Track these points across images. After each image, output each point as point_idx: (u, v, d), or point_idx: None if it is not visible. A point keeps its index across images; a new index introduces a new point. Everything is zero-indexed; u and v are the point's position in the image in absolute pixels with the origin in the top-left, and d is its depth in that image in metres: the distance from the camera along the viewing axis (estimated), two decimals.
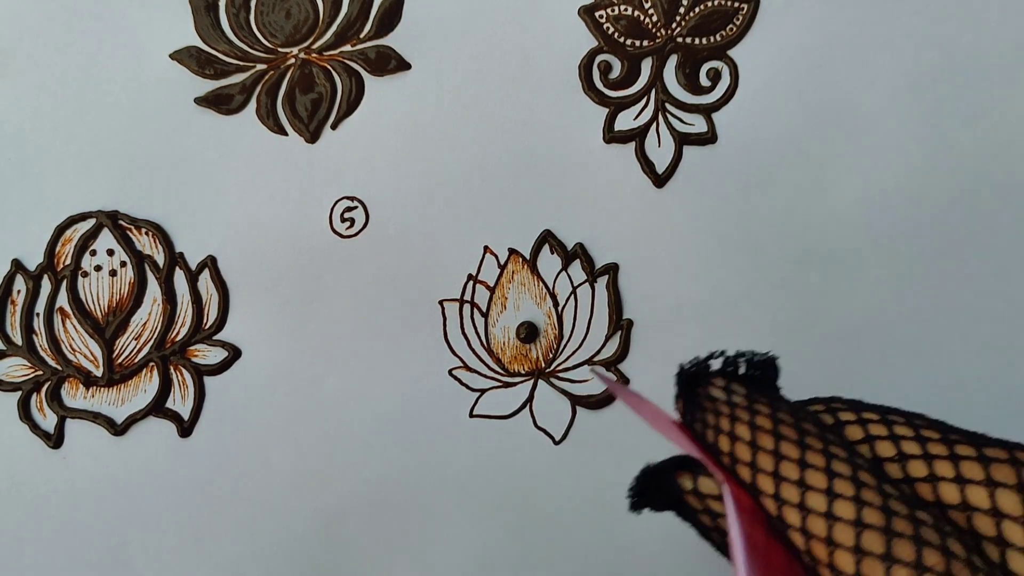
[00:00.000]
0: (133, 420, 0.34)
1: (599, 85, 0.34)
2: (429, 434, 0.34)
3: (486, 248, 0.34)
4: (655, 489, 0.21)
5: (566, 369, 0.34)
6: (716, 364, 0.22)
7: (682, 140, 0.34)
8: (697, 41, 0.34)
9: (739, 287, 0.35)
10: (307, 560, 0.34)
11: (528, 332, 0.34)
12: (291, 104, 0.34)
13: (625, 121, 0.34)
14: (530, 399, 0.34)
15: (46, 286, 0.34)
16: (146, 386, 0.34)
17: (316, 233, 0.34)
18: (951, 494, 0.19)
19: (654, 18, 0.34)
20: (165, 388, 0.34)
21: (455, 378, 0.34)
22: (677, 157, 0.34)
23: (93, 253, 0.34)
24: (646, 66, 0.34)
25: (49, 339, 0.34)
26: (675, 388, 0.22)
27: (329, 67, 0.34)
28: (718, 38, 0.34)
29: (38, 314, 0.34)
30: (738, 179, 0.34)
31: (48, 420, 0.34)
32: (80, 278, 0.34)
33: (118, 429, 0.34)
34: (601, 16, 0.34)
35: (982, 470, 0.19)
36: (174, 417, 0.34)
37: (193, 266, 0.34)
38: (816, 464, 0.19)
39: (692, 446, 0.21)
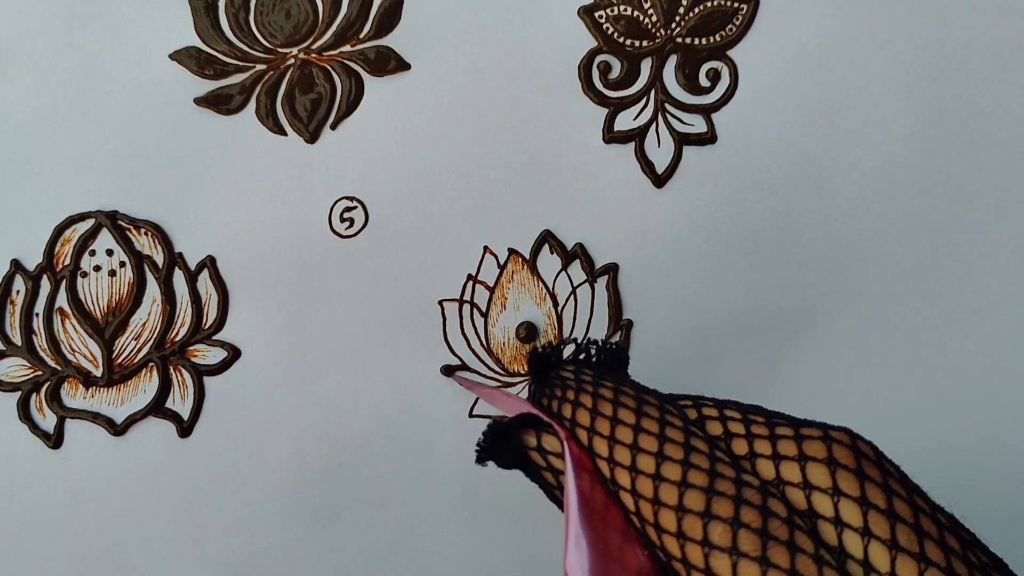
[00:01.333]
0: (133, 420, 0.34)
1: (599, 85, 0.34)
2: (429, 434, 0.34)
3: (486, 248, 0.34)
4: (502, 444, 0.21)
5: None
6: (568, 351, 0.23)
7: (682, 140, 0.34)
8: (697, 41, 0.34)
9: (739, 287, 0.35)
10: (307, 560, 0.34)
11: (528, 332, 0.34)
12: (291, 104, 0.34)
13: (625, 121, 0.34)
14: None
15: (45, 286, 0.34)
16: (146, 386, 0.34)
17: (315, 233, 0.34)
18: (767, 470, 0.19)
19: (654, 18, 0.34)
20: (165, 388, 0.34)
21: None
22: (677, 157, 0.34)
23: (92, 253, 0.34)
24: (646, 66, 0.34)
25: (48, 339, 0.34)
26: (529, 369, 0.23)
27: (329, 67, 0.34)
28: (718, 38, 0.34)
29: (37, 314, 0.34)
30: (738, 179, 0.34)
31: (48, 420, 0.34)
32: (79, 278, 0.34)
33: (118, 429, 0.34)
34: (601, 16, 0.34)
35: (795, 446, 0.19)
36: (174, 417, 0.34)
37: (192, 266, 0.34)
38: (650, 429, 0.20)
39: (536, 409, 0.22)
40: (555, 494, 0.22)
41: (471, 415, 0.34)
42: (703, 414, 0.21)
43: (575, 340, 0.23)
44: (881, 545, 0.18)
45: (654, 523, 0.19)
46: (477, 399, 0.34)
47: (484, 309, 0.34)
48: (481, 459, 0.22)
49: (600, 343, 0.24)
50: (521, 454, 0.22)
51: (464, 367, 0.34)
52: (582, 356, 0.24)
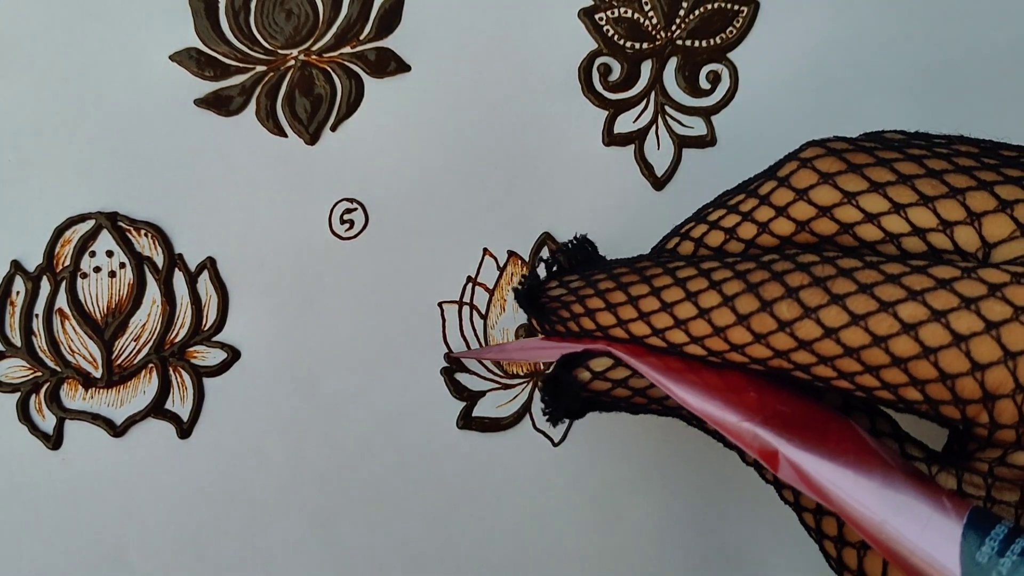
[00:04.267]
0: (132, 421, 0.34)
1: (599, 87, 0.34)
2: (428, 435, 0.34)
3: (485, 250, 0.34)
4: (563, 394, 0.21)
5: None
6: (542, 272, 0.23)
7: (681, 143, 0.34)
8: (697, 44, 0.34)
9: None
10: (306, 560, 0.34)
11: (528, 334, 0.34)
12: (291, 106, 0.34)
13: (625, 123, 0.34)
14: (529, 401, 0.34)
15: (45, 287, 0.34)
16: (145, 387, 0.34)
17: (315, 235, 0.34)
18: (782, 227, 0.20)
19: (654, 20, 0.34)
20: (164, 389, 0.34)
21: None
22: (676, 160, 0.34)
23: (92, 254, 0.34)
24: (646, 68, 0.34)
25: (48, 340, 0.34)
26: (523, 311, 0.23)
27: (329, 69, 0.34)
28: (718, 41, 0.34)
29: (37, 315, 0.34)
30: (737, 181, 0.34)
31: (47, 421, 0.34)
32: (79, 279, 0.34)
33: (117, 430, 0.34)
34: (601, 19, 0.34)
35: (788, 191, 0.20)
36: (173, 418, 0.34)
37: (192, 267, 0.34)
38: (664, 284, 0.20)
39: (565, 344, 0.22)
40: (635, 403, 0.21)
41: (459, 426, 0.34)
42: (694, 237, 0.22)
43: (541, 259, 0.24)
44: (916, 208, 0.18)
45: (730, 347, 0.19)
46: (476, 401, 0.34)
47: (484, 311, 0.34)
48: (555, 418, 0.21)
49: (563, 245, 0.24)
50: (582, 392, 0.21)
51: (463, 368, 0.34)
52: (556, 268, 0.24)
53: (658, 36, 0.34)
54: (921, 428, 0.21)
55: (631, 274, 0.21)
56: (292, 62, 0.34)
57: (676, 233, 0.23)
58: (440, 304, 0.34)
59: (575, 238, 0.25)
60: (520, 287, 0.23)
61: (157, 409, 0.34)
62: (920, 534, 0.15)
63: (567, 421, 0.34)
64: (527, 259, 0.34)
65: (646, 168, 0.34)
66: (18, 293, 0.34)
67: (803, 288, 0.17)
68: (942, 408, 0.17)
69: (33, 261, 0.34)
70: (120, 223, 0.34)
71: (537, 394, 0.34)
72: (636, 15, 0.34)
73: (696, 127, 0.34)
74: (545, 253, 0.24)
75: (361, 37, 0.34)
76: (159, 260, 0.34)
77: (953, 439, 0.20)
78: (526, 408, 0.34)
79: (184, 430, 0.34)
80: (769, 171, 0.21)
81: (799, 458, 0.17)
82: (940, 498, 0.16)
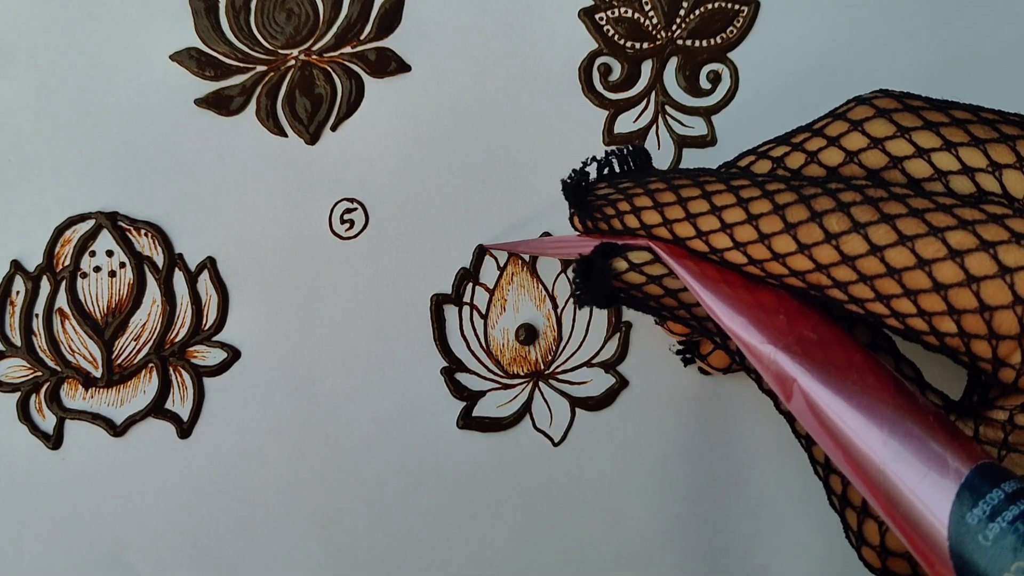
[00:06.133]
0: (132, 421, 0.34)
1: (599, 87, 0.34)
2: (429, 435, 0.34)
3: (485, 250, 0.34)
4: (595, 279, 0.21)
5: (565, 371, 0.34)
6: (592, 172, 0.23)
7: (682, 142, 0.34)
8: (697, 43, 0.34)
9: None
10: (306, 561, 0.34)
11: (527, 334, 0.34)
12: (291, 106, 0.34)
13: (625, 123, 0.34)
14: (529, 401, 0.34)
15: (45, 287, 0.34)
16: (145, 387, 0.34)
17: (316, 235, 0.34)
18: (832, 157, 0.20)
19: (654, 20, 0.34)
20: (164, 389, 0.34)
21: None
22: (677, 159, 0.34)
23: (92, 254, 0.34)
24: (646, 68, 0.34)
25: (48, 340, 0.34)
26: (567, 205, 0.23)
27: (329, 69, 0.34)
28: (718, 40, 0.34)
29: (37, 315, 0.34)
30: None
31: (47, 421, 0.34)
32: (79, 279, 0.34)
33: (117, 430, 0.34)
34: (601, 18, 0.34)
35: (844, 123, 0.21)
36: (173, 418, 0.34)
37: (192, 267, 0.34)
38: (717, 190, 0.20)
39: (604, 240, 0.21)
40: (664, 303, 0.22)
41: (459, 426, 0.34)
42: (740, 165, 0.22)
43: (594, 158, 0.23)
44: (967, 148, 0.18)
45: (772, 255, 0.19)
46: (476, 401, 0.34)
47: (484, 311, 0.34)
48: (583, 301, 0.21)
49: (618, 150, 0.24)
50: (615, 282, 0.21)
51: (463, 368, 0.34)
52: (607, 171, 0.24)
53: (658, 36, 0.34)
54: (941, 382, 0.21)
55: (684, 178, 0.21)
56: (292, 62, 0.34)
57: (730, 165, 0.23)
58: (440, 304, 0.34)
59: (631, 145, 0.24)
60: (569, 179, 0.23)
61: (157, 409, 0.34)
62: (918, 484, 0.16)
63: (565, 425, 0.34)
64: (527, 259, 0.34)
65: None
66: (18, 293, 0.34)
67: (855, 204, 0.18)
68: (974, 344, 0.17)
69: (33, 261, 0.34)
70: (120, 223, 0.34)
71: (537, 394, 0.34)
72: (636, 15, 0.34)
73: (696, 127, 0.34)
74: (602, 152, 0.24)
75: (361, 37, 0.34)
76: (159, 260, 0.34)
77: (972, 388, 0.20)
78: (526, 408, 0.34)
79: (184, 430, 0.34)
80: (829, 112, 0.22)
81: (814, 390, 0.17)
82: (945, 454, 0.16)
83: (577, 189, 0.23)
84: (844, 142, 0.20)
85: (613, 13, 0.34)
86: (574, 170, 0.23)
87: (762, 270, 0.19)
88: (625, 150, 0.24)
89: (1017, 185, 0.18)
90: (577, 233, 0.23)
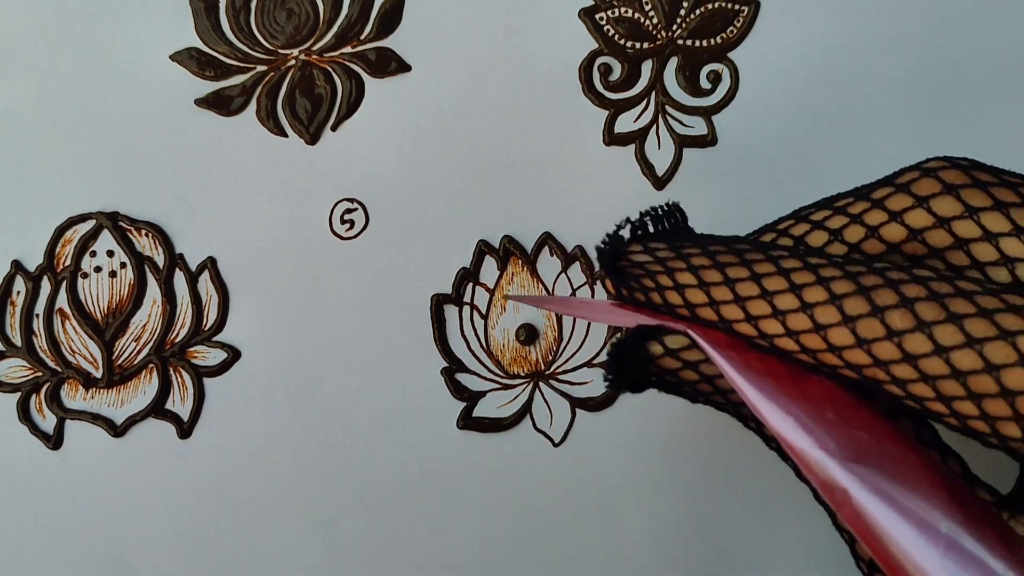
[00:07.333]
0: (133, 421, 0.34)
1: (599, 87, 0.34)
2: (429, 436, 0.34)
3: (485, 250, 0.34)
4: (629, 365, 0.20)
5: (566, 371, 0.34)
6: (626, 234, 0.22)
7: (682, 142, 0.34)
8: (697, 43, 0.34)
9: None
10: (305, 561, 0.34)
11: (528, 334, 0.34)
12: (291, 106, 0.34)
13: (625, 123, 0.34)
14: (529, 401, 0.34)
15: (46, 287, 0.34)
16: (145, 387, 0.34)
17: (316, 235, 0.34)
18: (894, 233, 0.19)
19: (654, 20, 0.34)
20: (164, 389, 0.34)
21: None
22: (677, 159, 0.34)
23: (93, 254, 0.34)
24: (646, 68, 0.34)
25: (49, 340, 0.34)
26: (600, 270, 0.21)
27: (329, 69, 0.34)
28: (719, 40, 0.34)
29: (38, 315, 0.34)
30: (738, 182, 0.34)
31: (47, 421, 0.34)
32: (80, 279, 0.34)
33: (118, 430, 0.34)
34: (601, 18, 0.34)
35: (906, 196, 0.19)
36: (173, 418, 0.34)
37: (193, 267, 0.34)
38: (767, 271, 0.19)
39: (642, 316, 0.20)
40: (700, 389, 0.21)
41: (471, 416, 0.34)
42: (794, 235, 0.21)
43: (628, 220, 0.22)
44: None
45: (828, 347, 0.18)
46: (477, 401, 0.34)
47: (484, 311, 0.34)
48: (617, 388, 0.20)
49: (652, 210, 0.22)
50: (650, 367, 0.20)
51: (463, 368, 0.34)
52: (640, 232, 0.22)
53: (659, 36, 0.34)
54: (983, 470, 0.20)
55: (728, 254, 0.19)
56: (292, 62, 0.34)
57: (771, 229, 0.22)
58: (440, 304, 0.34)
59: (667, 204, 0.23)
60: (604, 245, 0.21)
61: (157, 409, 0.34)
62: None
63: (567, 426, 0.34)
64: (528, 259, 0.34)
65: (647, 168, 0.34)
66: (18, 293, 0.34)
67: (919, 300, 0.17)
68: None
69: (33, 261, 0.34)
70: (120, 223, 0.34)
71: (538, 395, 0.34)
72: (637, 15, 0.34)
73: (697, 127, 0.34)
74: (635, 215, 0.23)
75: (361, 37, 0.34)
76: (159, 260, 0.34)
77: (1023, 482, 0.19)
78: (526, 408, 0.34)
79: (184, 430, 0.34)
80: (885, 179, 0.20)
81: (867, 503, 0.16)
82: (1008, 573, 0.15)
83: (611, 255, 0.21)
84: (908, 218, 0.19)
85: (613, 13, 0.34)
86: (608, 235, 0.21)
87: (814, 359, 0.18)
88: (660, 210, 0.23)
89: None
90: (609, 298, 0.22)
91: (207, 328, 0.34)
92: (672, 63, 0.34)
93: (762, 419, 0.18)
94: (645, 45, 0.34)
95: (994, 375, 0.16)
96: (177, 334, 0.34)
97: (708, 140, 0.34)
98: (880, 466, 0.17)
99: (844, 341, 0.18)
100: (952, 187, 0.19)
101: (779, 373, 0.19)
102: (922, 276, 0.17)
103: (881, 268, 0.18)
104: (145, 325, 0.34)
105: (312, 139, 0.34)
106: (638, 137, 0.34)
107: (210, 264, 0.34)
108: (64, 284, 0.34)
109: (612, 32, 0.34)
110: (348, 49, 0.34)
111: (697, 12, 0.34)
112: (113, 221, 0.34)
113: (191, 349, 0.34)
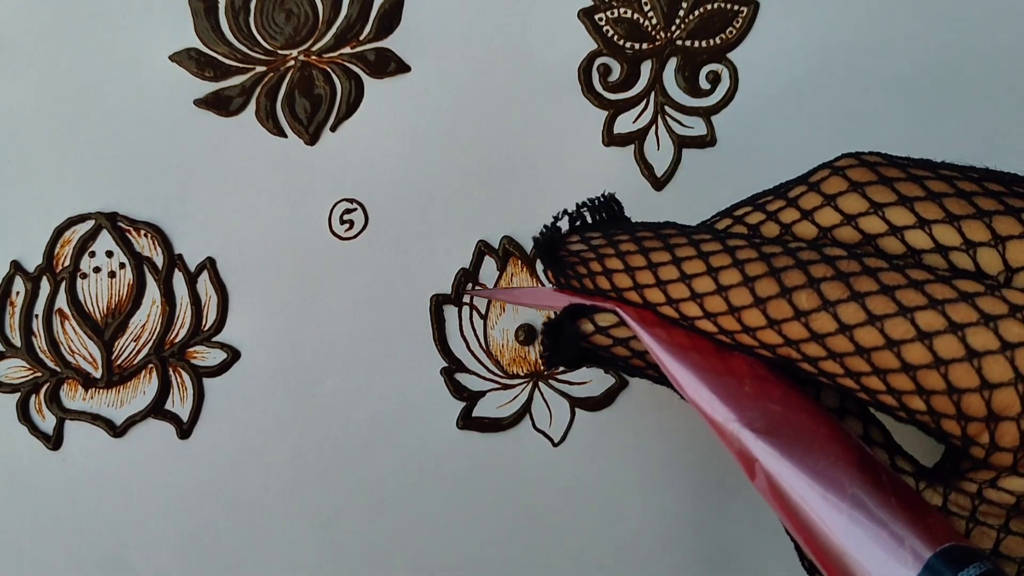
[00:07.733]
0: (132, 422, 0.34)
1: (598, 88, 0.34)
2: (428, 436, 0.34)
3: (485, 250, 0.34)
4: (563, 341, 0.21)
5: (565, 372, 0.34)
6: (564, 225, 0.23)
7: (681, 143, 0.34)
8: (696, 44, 0.34)
9: None
10: (306, 561, 0.34)
11: (527, 335, 0.34)
12: (290, 106, 0.34)
13: (624, 124, 0.34)
14: (529, 401, 0.34)
15: (45, 287, 0.34)
16: (145, 388, 0.34)
17: (315, 235, 0.34)
18: (806, 230, 0.20)
19: (653, 21, 0.34)
20: (164, 390, 0.34)
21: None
22: (676, 160, 0.34)
23: (92, 255, 0.34)
24: (645, 69, 0.34)
25: (48, 341, 0.34)
26: (538, 260, 0.23)
27: (328, 69, 0.34)
28: (718, 41, 0.34)
29: (37, 316, 0.34)
30: (737, 182, 0.34)
31: (47, 422, 0.34)
32: (79, 280, 0.34)
33: (117, 431, 0.34)
34: (600, 19, 0.34)
35: (817, 195, 0.20)
36: (173, 419, 0.34)
37: (192, 268, 0.34)
38: (687, 255, 0.20)
39: (576, 297, 0.21)
40: (632, 364, 0.21)
41: (470, 416, 0.34)
42: (724, 224, 0.22)
43: (564, 211, 0.23)
44: (941, 225, 0.18)
45: (743, 328, 0.19)
46: (476, 401, 0.34)
47: (483, 311, 0.34)
48: (552, 363, 0.22)
49: (589, 202, 0.24)
50: (582, 343, 0.21)
51: (463, 368, 0.34)
52: (578, 223, 0.23)
53: (658, 36, 0.34)
54: (912, 441, 0.21)
55: (654, 239, 0.21)
56: (292, 62, 0.34)
57: (707, 223, 0.23)
58: (440, 304, 0.34)
59: (602, 195, 0.24)
60: (540, 236, 0.23)
61: (157, 409, 0.34)
62: (878, 570, 0.16)
63: (563, 427, 0.34)
64: (527, 259, 0.34)
65: (646, 168, 0.34)
66: (18, 293, 0.34)
67: (825, 280, 0.17)
68: (944, 422, 0.17)
69: (33, 261, 0.34)
70: (120, 223, 0.34)
71: (537, 394, 0.34)
72: (636, 15, 0.34)
73: (696, 127, 0.34)
74: (571, 207, 0.24)
75: (361, 37, 0.34)
76: (159, 260, 0.34)
77: (947, 456, 0.20)
78: (526, 408, 0.34)
79: (184, 430, 0.34)
80: (801, 177, 0.21)
81: (777, 470, 0.17)
82: (906, 537, 0.16)
83: (548, 245, 0.22)
84: (817, 217, 0.20)
85: (612, 13, 0.34)
86: (545, 226, 0.23)
87: (733, 340, 0.19)
88: (596, 201, 0.24)
89: (992, 262, 0.18)
90: (551, 286, 0.23)
91: (207, 328, 0.34)
92: (671, 63, 0.34)
93: (682, 392, 0.19)
94: (644, 45, 0.34)
95: (894, 351, 0.17)
96: (176, 334, 0.34)
97: (707, 140, 0.34)
98: (791, 437, 0.18)
99: (756, 322, 0.18)
100: (858, 184, 0.19)
101: (704, 348, 0.20)
102: (833, 256, 0.18)
103: (795, 248, 0.19)
104: (144, 325, 0.34)
105: (311, 139, 0.34)
106: (637, 137, 0.34)
107: (209, 264, 0.34)
108: (63, 284, 0.34)
109: (611, 33, 0.34)
110: (347, 50, 0.34)
111: (696, 13, 0.34)
112: (112, 221, 0.34)
113: (191, 349, 0.34)
